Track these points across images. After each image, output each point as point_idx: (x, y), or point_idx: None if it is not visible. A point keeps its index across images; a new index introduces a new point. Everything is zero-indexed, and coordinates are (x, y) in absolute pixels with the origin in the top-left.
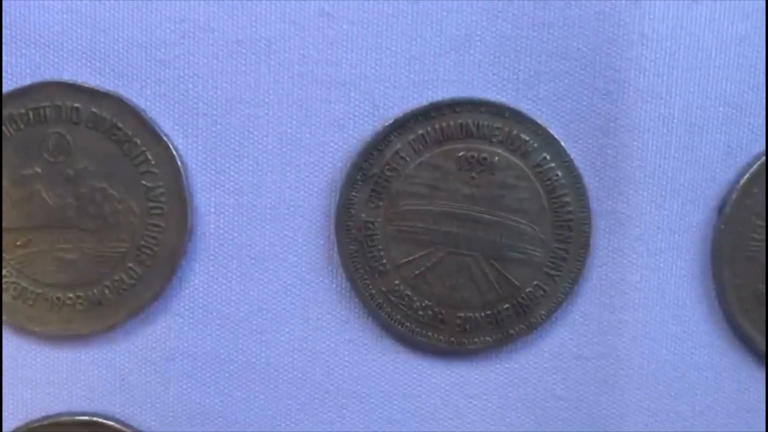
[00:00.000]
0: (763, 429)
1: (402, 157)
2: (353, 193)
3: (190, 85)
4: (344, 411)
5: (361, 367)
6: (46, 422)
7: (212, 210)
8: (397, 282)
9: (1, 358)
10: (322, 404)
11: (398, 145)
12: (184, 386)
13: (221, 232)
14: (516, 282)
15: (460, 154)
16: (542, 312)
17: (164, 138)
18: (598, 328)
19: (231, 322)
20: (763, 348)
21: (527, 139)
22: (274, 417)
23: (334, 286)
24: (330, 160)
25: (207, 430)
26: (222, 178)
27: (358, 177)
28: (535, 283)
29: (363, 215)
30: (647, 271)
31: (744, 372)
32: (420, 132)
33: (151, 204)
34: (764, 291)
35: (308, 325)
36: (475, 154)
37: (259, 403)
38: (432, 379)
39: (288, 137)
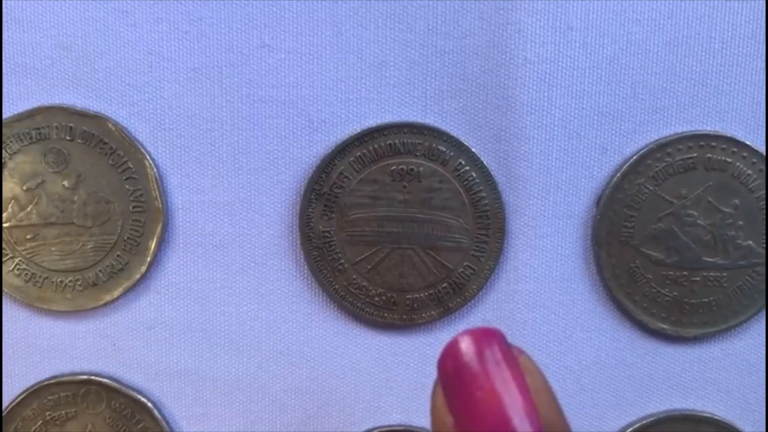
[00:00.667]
0: (636, 379)
1: (346, 176)
2: (310, 210)
3: (158, 105)
4: (294, 368)
5: (307, 331)
6: (52, 381)
7: (181, 207)
8: (354, 276)
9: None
10: (276, 362)
11: (341, 167)
12: (163, 350)
13: (189, 224)
14: (449, 265)
15: (392, 168)
16: (473, 287)
17: (141, 149)
18: (497, 296)
19: (199, 297)
20: (637, 314)
21: (444, 149)
22: (236, 373)
23: (302, 282)
24: (275, 165)
25: (182, 385)
26: (188, 180)
27: (312, 196)
28: (465, 264)
29: (320, 227)
30: (536, 251)
31: (621, 333)
32: (357, 154)
33: (133, 204)
34: (636, 269)
35: (262, 299)
36: (404, 167)
37: (224, 362)
38: (392, 349)
39: (239, 147)
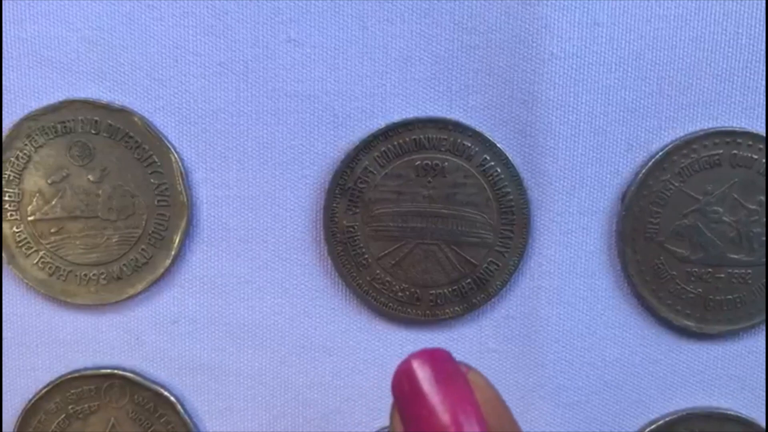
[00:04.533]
0: (660, 375)
1: (370, 171)
2: (334, 205)
3: (184, 100)
4: (317, 362)
5: (330, 326)
6: (76, 375)
7: (206, 201)
8: (378, 272)
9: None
10: (299, 357)
11: (366, 162)
12: (187, 344)
13: (214, 219)
14: (474, 261)
15: (417, 163)
16: (497, 283)
17: (166, 143)
18: (521, 292)
19: (223, 291)
20: (661, 310)
21: (469, 145)
22: (260, 368)
23: (325, 277)
24: (300, 160)
25: (205, 379)
26: (213, 175)
27: (337, 191)
28: (489, 260)
29: (344, 222)
30: (560, 247)
31: (646, 329)
32: (382, 149)
33: (158, 198)
34: (661, 265)
35: (286, 294)
36: (429, 162)
37: (247, 356)
38: (415, 344)
39: (264, 141)
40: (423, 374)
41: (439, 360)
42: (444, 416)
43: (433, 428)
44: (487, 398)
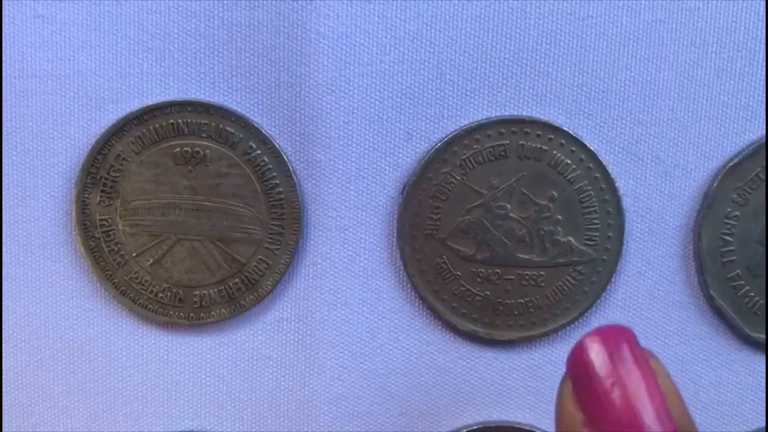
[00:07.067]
0: (449, 385)
1: (124, 159)
2: (86, 196)
3: None
4: (75, 367)
5: (88, 329)
6: None
7: None
8: (136, 270)
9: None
10: (56, 361)
11: (119, 148)
12: None
13: None
14: (241, 259)
15: (175, 150)
16: (268, 283)
17: None
18: (294, 293)
19: None
20: (446, 314)
21: (232, 131)
22: (16, 372)
23: (81, 276)
24: (50, 146)
25: None
26: None
27: (88, 180)
28: (259, 257)
29: (97, 215)
30: (336, 244)
31: (431, 334)
32: (137, 134)
33: None
34: (443, 264)
35: (40, 293)
36: (189, 149)
37: (4, 360)
38: (180, 349)
39: (11, 125)
40: (600, 353)
41: (618, 340)
42: (624, 402)
43: (612, 412)
44: (668, 389)
